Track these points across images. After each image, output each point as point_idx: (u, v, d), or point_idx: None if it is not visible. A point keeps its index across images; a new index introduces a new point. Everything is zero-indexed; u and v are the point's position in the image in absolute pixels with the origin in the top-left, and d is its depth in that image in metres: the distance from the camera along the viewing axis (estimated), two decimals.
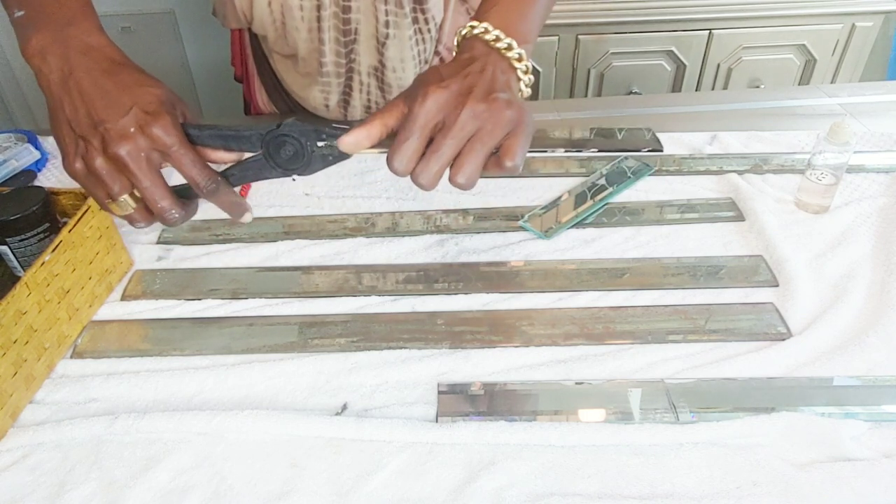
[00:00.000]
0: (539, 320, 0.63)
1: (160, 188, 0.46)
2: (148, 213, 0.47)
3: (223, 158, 0.48)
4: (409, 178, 0.46)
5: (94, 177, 0.45)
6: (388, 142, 0.46)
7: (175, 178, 0.48)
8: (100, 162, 0.44)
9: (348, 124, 0.46)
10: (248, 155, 0.48)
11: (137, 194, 0.46)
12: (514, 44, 0.48)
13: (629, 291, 0.67)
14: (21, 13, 0.48)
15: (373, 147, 0.46)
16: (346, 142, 0.45)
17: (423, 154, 0.45)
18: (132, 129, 0.44)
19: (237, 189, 0.49)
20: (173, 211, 0.47)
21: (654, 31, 1.60)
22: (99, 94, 0.45)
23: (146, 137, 0.44)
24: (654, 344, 0.60)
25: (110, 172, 0.45)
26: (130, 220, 0.48)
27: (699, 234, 0.74)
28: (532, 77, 0.50)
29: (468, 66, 0.47)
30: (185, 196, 0.48)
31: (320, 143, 0.46)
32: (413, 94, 0.45)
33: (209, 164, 0.47)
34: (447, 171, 0.46)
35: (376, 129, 0.46)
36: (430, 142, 0.45)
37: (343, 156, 0.46)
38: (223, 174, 0.47)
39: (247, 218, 0.49)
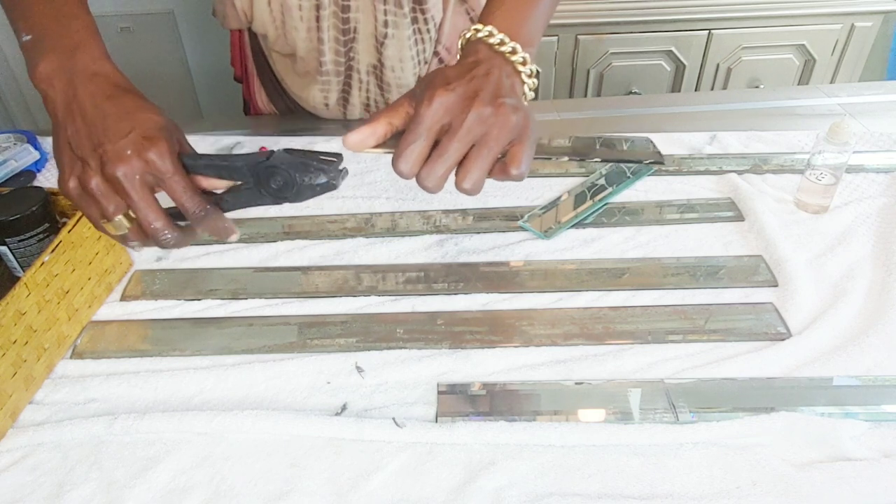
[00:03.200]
0: (539, 320, 0.63)
1: (154, 210, 0.46)
2: (142, 233, 0.48)
3: (216, 186, 0.49)
4: (411, 179, 0.46)
5: (88, 196, 0.46)
6: (391, 142, 0.46)
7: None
8: (96, 182, 0.45)
9: (337, 156, 0.46)
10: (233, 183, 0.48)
11: (132, 215, 0.47)
12: (519, 48, 0.48)
13: (629, 291, 0.67)
14: (28, 37, 0.49)
15: (377, 146, 0.46)
16: (351, 139, 0.45)
17: (429, 157, 0.45)
18: (129, 152, 0.44)
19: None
20: (166, 232, 0.47)
21: (653, 31, 1.60)
22: (100, 118, 0.45)
23: (142, 161, 0.44)
24: (654, 344, 0.60)
25: (105, 192, 0.45)
26: (124, 240, 0.48)
27: (699, 234, 0.74)
28: (536, 81, 0.49)
29: (473, 70, 0.46)
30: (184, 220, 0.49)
31: (307, 176, 0.46)
32: (419, 96, 0.45)
33: (204, 189, 0.48)
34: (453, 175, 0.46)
35: (381, 128, 0.46)
36: (436, 145, 0.45)
37: (332, 186, 0.46)
38: (217, 199, 0.48)
39: (232, 238, 0.50)
